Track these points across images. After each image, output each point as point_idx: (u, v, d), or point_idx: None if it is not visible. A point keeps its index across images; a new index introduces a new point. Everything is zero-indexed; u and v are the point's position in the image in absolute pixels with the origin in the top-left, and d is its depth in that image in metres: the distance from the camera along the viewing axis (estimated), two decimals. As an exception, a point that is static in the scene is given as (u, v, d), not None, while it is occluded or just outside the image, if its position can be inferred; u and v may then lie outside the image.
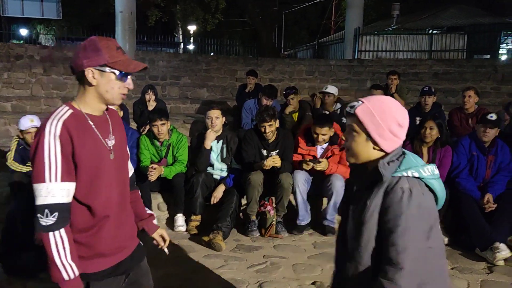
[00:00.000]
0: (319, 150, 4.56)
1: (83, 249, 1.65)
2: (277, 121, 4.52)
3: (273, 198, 4.40)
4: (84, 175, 1.62)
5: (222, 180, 4.54)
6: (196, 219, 4.33)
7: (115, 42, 1.66)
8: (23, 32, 24.65)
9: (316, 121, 4.49)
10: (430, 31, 15.13)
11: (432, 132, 4.19)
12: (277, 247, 4.07)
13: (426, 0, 20.79)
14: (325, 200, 4.53)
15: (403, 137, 1.55)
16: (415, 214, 1.43)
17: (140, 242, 1.93)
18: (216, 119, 4.51)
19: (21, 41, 19.04)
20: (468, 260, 3.80)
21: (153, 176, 4.26)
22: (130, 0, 11.41)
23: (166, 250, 2.11)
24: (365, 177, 1.61)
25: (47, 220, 1.53)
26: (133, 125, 6.14)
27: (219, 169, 4.62)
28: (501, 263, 3.68)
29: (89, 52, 1.59)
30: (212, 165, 4.60)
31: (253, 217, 4.36)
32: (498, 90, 9.43)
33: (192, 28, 24.92)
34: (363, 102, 1.54)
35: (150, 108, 5.88)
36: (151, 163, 4.59)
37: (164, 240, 2.09)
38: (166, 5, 20.14)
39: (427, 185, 1.51)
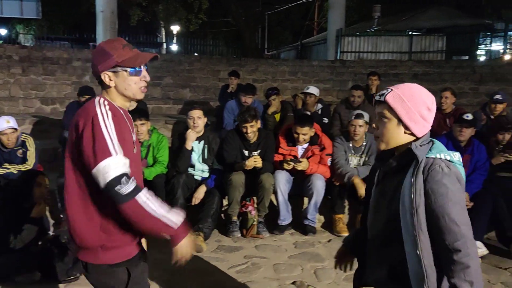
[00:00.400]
0: (300, 150, 4.59)
1: (119, 236, 1.70)
2: (259, 121, 4.54)
3: (255, 198, 4.41)
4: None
5: (204, 180, 4.53)
6: (177, 220, 4.30)
7: (121, 40, 1.75)
8: (2, 32, 24.19)
9: (297, 121, 4.52)
10: (410, 33, 15.35)
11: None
12: (258, 247, 4.08)
13: (406, 2, 21.07)
14: (306, 200, 4.56)
15: (431, 121, 1.61)
16: (458, 188, 1.50)
17: None
18: (198, 119, 4.49)
19: (0, 41, 18.68)
20: (446, 258, 3.87)
21: None
22: (111, 0, 11.32)
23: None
24: (395, 161, 1.65)
25: (127, 187, 1.57)
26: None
27: (200, 170, 4.60)
28: (478, 260, 3.75)
29: (99, 58, 1.70)
30: (193, 166, 4.58)
31: (235, 218, 4.36)
32: (476, 91, 9.61)
33: (175, 28, 24.79)
34: (392, 89, 1.61)
35: (131, 108, 5.82)
36: (132, 164, 4.56)
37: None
38: (148, 4, 19.98)
39: None
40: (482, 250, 3.77)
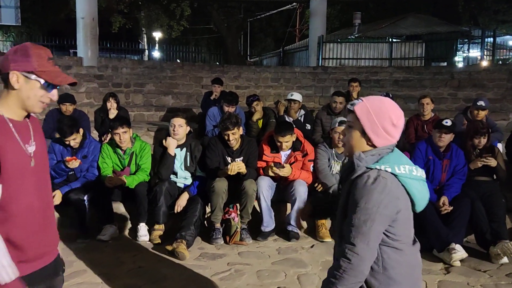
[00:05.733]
0: (283, 156, 4.61)
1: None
2: (241, 128, 4.54)
3: (238, 205, 4.41)
4: (5, 180, 1.58)
5: (186, 188, 4.51)
6: (160, 228, 4.27)
7: (48, 52, 1.68)
8: (-20, 38, 23.70)
9: (277, 130, 4.49)
10: (390, 40, 15.59)
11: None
12: (241, 254, 4.07)
13: (386, 10, 21.41)
14: (288, 205, 4.57)
15: (397, 137, 1.66)
16: (378, 199, 1.54)
17: (59, 254, 1.87)
18: (179, 127, 4.47)
19: (-23, 48, 18.32)
20: (426, 261, 3.89)
21: (110, 185, 4.34)
22: (92, 6, 11.23)
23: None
24: (345, 169, 1.76)
25: None
26: (95, 133, 6.02)
27: (183, 177, 4.58)
28: (458, 263, 3.81)
29: (18, 56, 1.61)
30: (175, 173, 4.56)
31: (218, 225, 4.34)
32: (454, 96, 9.80)
33: (157, 35, 24.70)
34: (362, 100, 1.67)
35: (112, 116, 5.78)
36: (114, 172, 4.52)
37: None
38: (130, 11, 19.87)
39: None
40: (462, 253, 3.83)
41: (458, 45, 16.98)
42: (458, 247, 3.85)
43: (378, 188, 1.54)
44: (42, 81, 1.63)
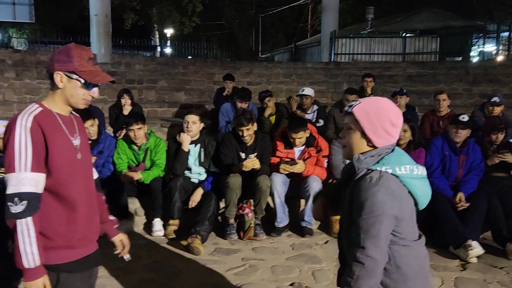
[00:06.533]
0: (297, 152, 4.60)
1: (54, 239, 1.73)
2: (255, 124, 4.54)
3: (251, 200, 4.41)
4: (55, 167, 1.70)
5: (200, 183, 4.53)
6: (174, 224, 4.30)
7: (89, 52, 1.78)
8: (-5, 35, 24.04)
9: (290, 127, 4.46)
10: (404, 34, 15.45)
11: (405, 135, 4.28)
12: (255, 249, 4.08)
13: (399, 4, 21.20)
14: (302, 201, 4.57)
15: (397, 136, 1.65)
16: (382, 200, 1.53)
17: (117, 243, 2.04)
18: (193, 124, 4.48)
19: (-8, 45, 18.57)
20: (442, 258, 3.89)
21: (126, 180, 4.34)
22: (105, 3, 11.31)
23: (125, 256, 2.15)
24: (346, 170, 1.75)
25: (16, 208, 1.61)
26: (109, 129, 6.06)
27: (197, 173, 4.60)
28: (474, 260, 3.78)
29: (62, 57, 1.73)
30: (189, 169, 4.58)
31: (232, 220, 4.36)
32: (469, 92, 9.68)
33: (169, 32, 24.79)
34: (360, 102, 1.66)
35: (126, 112, 5.82)
36: (129, 167, 4.56)
37: (124, 246, 2.13)
38: (142, 8, 19.96)
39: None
40: (478, 249, 3.79)
41: (473, 40, 16.73)
42: (474, 243, 3.81)
43: (382, 189, 1.53)
44: (83, 80, 1.73)
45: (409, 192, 1.61)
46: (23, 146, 1.63)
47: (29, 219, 1.63)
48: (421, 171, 1.64)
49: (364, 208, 1.53)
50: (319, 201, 2.09)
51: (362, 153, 1.64)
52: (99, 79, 1.76)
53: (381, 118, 1.60)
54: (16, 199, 1.61)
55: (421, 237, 1.72)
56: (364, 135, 1.63)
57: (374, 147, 1.64)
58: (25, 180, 1.62)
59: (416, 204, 1.66)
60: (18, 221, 1.62)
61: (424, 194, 1.64)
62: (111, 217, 2.15)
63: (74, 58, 1.71)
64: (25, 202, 1.61)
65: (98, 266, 1.99)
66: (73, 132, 1.81)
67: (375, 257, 1.54)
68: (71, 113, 1.85)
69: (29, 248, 1.63)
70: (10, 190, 1.62)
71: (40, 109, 1.72)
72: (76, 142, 1.81)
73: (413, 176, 1.59)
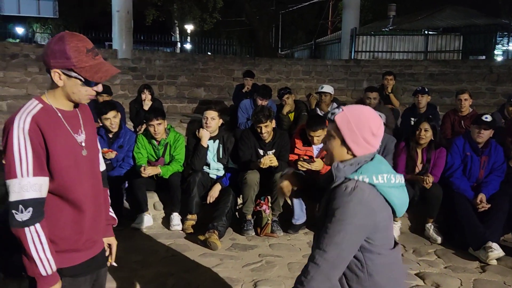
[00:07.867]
0: (315, 150, 4.59)
1: (58, 243, 1.64)
2: (273, 121, 4.54)
3: (269, 197, 4.42)
4: (58, 169, 1.60)
5: (219, 179, 4.56)
6: (192, 218, 4.35)
7: (86, 42, 1.60)
8: (19, 30, 24.58)
9: (308, 125, 4.45)
10: (426, 32, 15.20)
11: (426, 134, 4.23)
12: (272, 246, 4.10)
13: (422, 1, 20.87)
14: (320, 199, 4.55)
15: (377, 146, 1.66)
16: (354, 210, 1.53)
17: (105, 246, 1.91)
18: (212, 120, 4.52)
19: (17, 40, 18.98)
20: (461, 259, 3.84)
21: (145, 174, 4.33)
22: (127, 0, 11.42)
23: (111, 263, 1.98)
24: (324, 178, 1.77)
25: (22, 215, 1.52)
26: (130, 124, 6.15)
27: (215, 169, 4.64)
28: (494, 262, 3.72)
29: (56, 52, 1.55)
30: (208, 165, 4.62)
31: (249, 216, 4.38)
32: (493, 91, 9.49)
33: (189, 28, 24.94)
34: (343, 110, 1.67)
35: (146, 107, 5.89)
36: (148, 162, 4.62)
37: (111, 252, 1.97)
38: (163, 4, 20.13)
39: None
40: (498, 251, 3.73)
41: (498, 38, 16.38)
42: (495, 245, 3.75)
43: (355, 200, 1.53)
44: (83, 79, 1.58)
45: (386, 200, 1.61)
46: (22, 149, 1.52)
47: (38, 226, 1.54)
48: (399, 179, 1.65)
49: (335, 215, 1.54)
50: (289, 176, 2.06)
51: (341, 161, 1.65)
52: (101, 75, 1.59)
53: (361, 127, 1.61)
54: (20, 206, 1.51)
55: (396, 246, 1.72)
56: (344, 143, 1.64)
57: (354, 155, 1.65)
58: (28, 185, 1.52)
59: (393, 212, 1.66)
60: (27, 229, 1.53)
61: (401, 202, 1.64)
62: (112, 214, 2.01)
63: (70, 53, 1.53)
64: (30, 209, 1.52)
65: (104, 266, 1.90)
66: (77, 128, 1.68)
67: (333, 262, 1.54)
68: (75, 106, 1.71)
69: (43, 255, 1.54)
70: (13, 197, 1.52)
71: (40, 106, 1.59)
72: (80, 138, 1.68)
73: (390, 185, 1.60)
